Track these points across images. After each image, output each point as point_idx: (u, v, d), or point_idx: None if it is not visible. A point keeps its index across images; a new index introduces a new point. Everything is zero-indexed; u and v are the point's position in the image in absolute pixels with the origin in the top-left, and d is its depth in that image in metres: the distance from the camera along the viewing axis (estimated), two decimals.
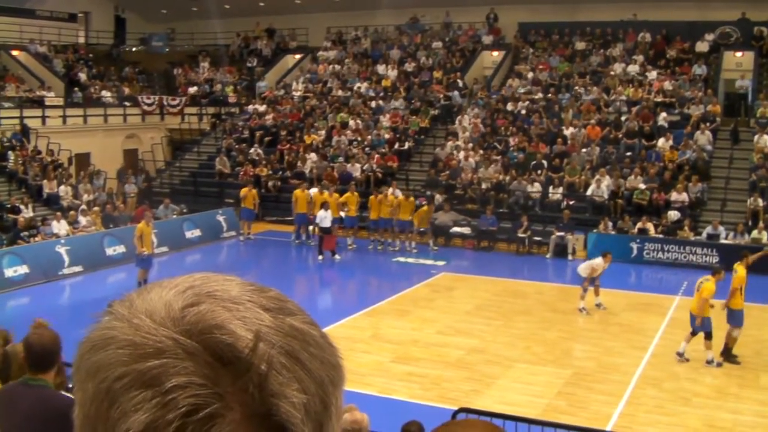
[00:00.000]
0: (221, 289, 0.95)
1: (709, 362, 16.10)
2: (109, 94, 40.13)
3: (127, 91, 41.67)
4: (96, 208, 28.81)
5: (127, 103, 40.18)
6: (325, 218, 26.21)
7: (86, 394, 0.91)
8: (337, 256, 26.64)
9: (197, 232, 29.32)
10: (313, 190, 29.27)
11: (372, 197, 28.59)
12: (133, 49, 47.92)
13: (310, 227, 28.66)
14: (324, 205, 26.96)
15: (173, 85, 44.56)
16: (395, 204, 27.91)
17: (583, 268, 19.99)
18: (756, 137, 30.09)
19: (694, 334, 16.15)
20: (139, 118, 40.32)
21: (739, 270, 16.59)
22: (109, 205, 29.82)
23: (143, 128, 40.19)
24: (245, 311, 0.92)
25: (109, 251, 25.82)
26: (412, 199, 28.56)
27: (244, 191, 29.96)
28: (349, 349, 16.03)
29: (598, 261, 19.78)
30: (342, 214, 28.28)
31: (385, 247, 28.38)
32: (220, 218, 30.53)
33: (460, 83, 37.81)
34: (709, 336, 16.02)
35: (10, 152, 31.68)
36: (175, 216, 29.77)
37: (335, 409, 0.95)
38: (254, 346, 0.88)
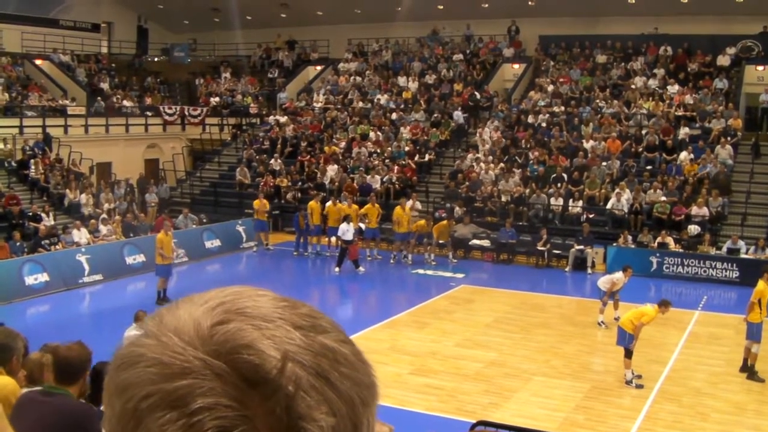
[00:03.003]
0: (252, 306, 0.94)
1: (628, 382, 15.73)
2: (130, 103, 40.40)
3: (148, 101, 41.96)
4: (117, 217, 28.97)
5: (148, 113, 40.44)
6: (347, 231, 26.23)
7: (113, 411, 0.91)
8: (361, 268, 26.64)
9: (217, 243, 29.42)
10: (334, 203, 29.46)
11: (398, 208, 28.56)
12: (155, 59, 48.20)
13: (332, 239, 28.67)
14: (346, 218, 27.03)
15: (195, 95, 44.85)
16: (407, 217, 28.08)
17: (603, 282, 19.91)
18: None
19: (629, 354, 15.76)
20: (161, 128, 40.56)
21: (759, 283, 16.47)
22: (129, 214, 29.98)
23: (164, 138, 40.41)
24: (275, 330, 0.91)
25: (129, 260, 25.94)
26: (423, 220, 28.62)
27: (257, 203, 30.11)
28: None
29: (619, 275, 19.70)
30: (362, 225, 28.32)
31: (397, 259, 28.39)
32: (240, 228, 30.61)
33: (477, 95, 37.77)
34: (629, 354, 15.74)
35: (32, 161, 31.89)
36: (194, 226, 29.87)
37: (366, 429, 0.94)
38: (282, 366, 0.87)
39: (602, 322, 19.94)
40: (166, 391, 0.86)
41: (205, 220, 31.01)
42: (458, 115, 36.76)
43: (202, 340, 0.89)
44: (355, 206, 28.88)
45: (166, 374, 0.87)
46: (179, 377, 0.87)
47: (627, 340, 15.63)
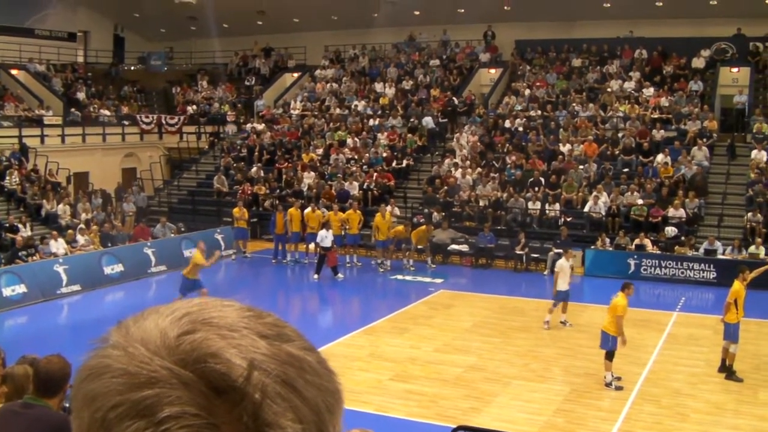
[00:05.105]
0: (218, 316, 0.95)
1: (608, 384, 15.80)
2: (107, 112, 40.23)
3: (125, 109, 41.79)
4: (94, 227, 28.83)
5: (125, 122, 40.30)
6: (325, 238, 26.17)
7: (82, 422, 0.92)
8: (340, 275, 26.60)
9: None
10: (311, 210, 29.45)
11: (378, 216, 28.45)
12: (132, 67, 48.02)
13: (311, 245, 28.61)
14: (324, 225, 27.02)
15: (172, 103, 44.71)
16: (387, 224, 28.06)
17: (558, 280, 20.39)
18: (753, 153, 30.18)
19: (610, 357, 15.82)
20: (138, 137, 40.43)
21: (734, 284, 16.59)
22: (107, 224, 29.84)
23: (142, 147, 40.28)
24: (241, 339, 0.92)
25: (108, 270, 25.80)
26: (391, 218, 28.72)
27: (236, 211, 30.19)
28: (347, 368, 16.03)
29: (561, 262, 20.25)
30: (342, 232, 28.31)
31: (376, 265, 28.38)
32: (218, 237, 30.49)
33: (455, 100, 37.86)
34: (610, 356, 15.80)
35: (8, 171, 31.66)
36: (172, 235, 29.75)
37: None
38: (248, 375, 0.88)
39: (565, 321, 20.49)
40: (133, 401, 0.87)
41: (183, 229, 30.89)
42: (427, 121, 36.74)
43: (168, 350, 0.90)
44: (341, 213, 28.83)
45: (133, 384, 0.88)
46: (146, 387, 0.87)
47: (611, 343, 15.70)
